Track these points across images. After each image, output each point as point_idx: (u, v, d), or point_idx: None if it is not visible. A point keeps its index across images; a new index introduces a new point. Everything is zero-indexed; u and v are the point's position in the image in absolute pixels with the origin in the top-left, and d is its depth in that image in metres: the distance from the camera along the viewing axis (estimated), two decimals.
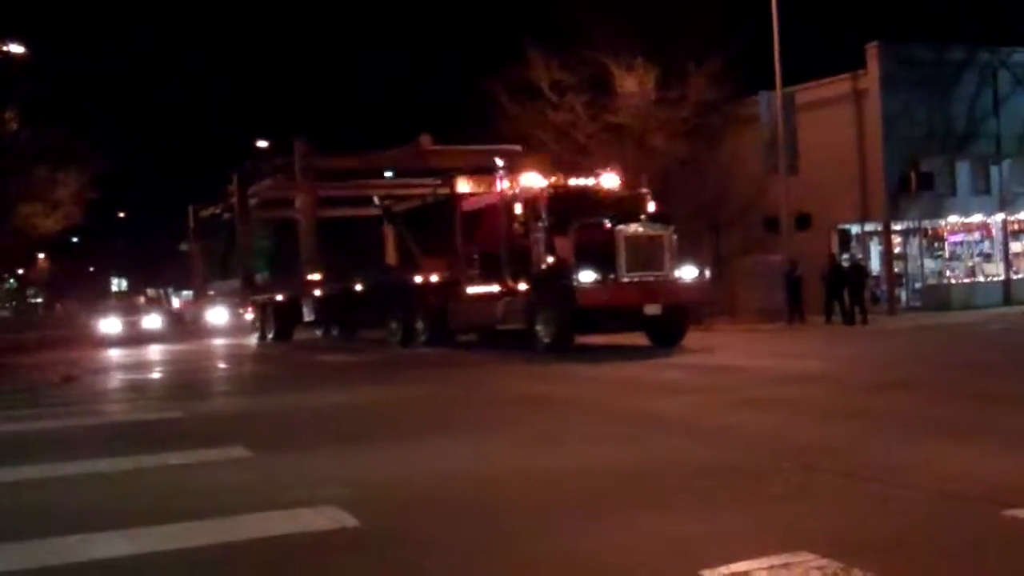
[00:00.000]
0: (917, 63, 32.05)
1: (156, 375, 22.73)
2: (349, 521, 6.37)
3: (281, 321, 33.77)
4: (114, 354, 30.92)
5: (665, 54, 30.76)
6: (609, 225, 20.62)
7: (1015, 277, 33.66)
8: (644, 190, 23.19)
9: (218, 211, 37.75)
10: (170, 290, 79.19)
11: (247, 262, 34.76)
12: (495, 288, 22.62)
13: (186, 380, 20.10)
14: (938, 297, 31.87)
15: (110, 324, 39.12)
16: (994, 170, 33.50)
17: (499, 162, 23.31)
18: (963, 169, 33.24)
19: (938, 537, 5.52)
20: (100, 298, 73.68)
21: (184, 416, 13.12)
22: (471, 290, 23.64)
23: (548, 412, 11.83)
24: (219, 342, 35.91)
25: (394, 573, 5.38)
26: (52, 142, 36.74)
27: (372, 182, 32.23)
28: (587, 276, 20.13)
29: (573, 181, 23.03)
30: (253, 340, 34.98)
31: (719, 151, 31.80)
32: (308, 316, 32.49)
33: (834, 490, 6.77)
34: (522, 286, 21.73)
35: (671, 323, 20.94)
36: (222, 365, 25.05)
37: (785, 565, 4.93)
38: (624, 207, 22.04)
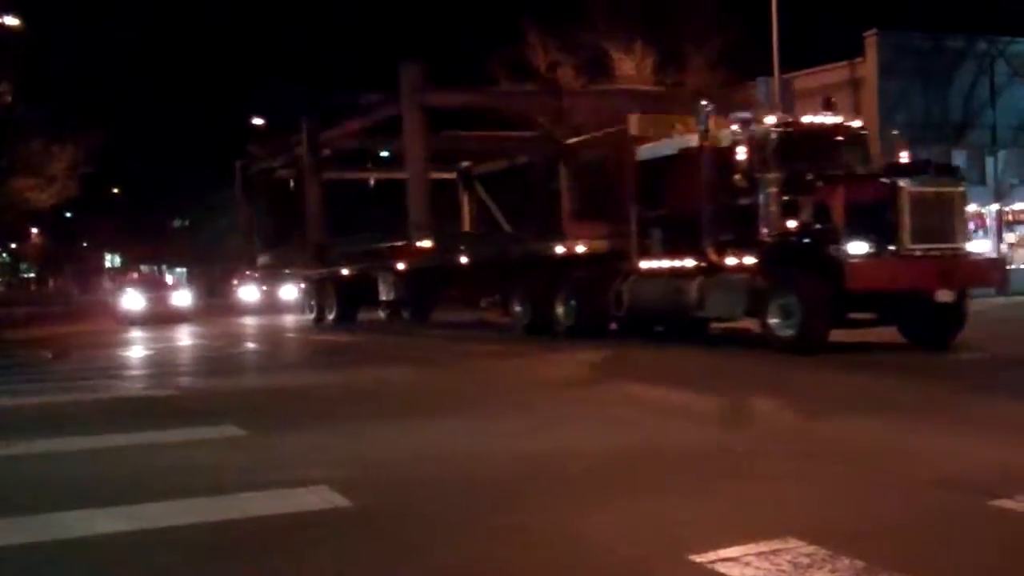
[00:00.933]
0: (915, 52, 32.12)
1: (159, 353, 22.59)
2: (340, 501, 6.38)
3: (346, 300, 28.51)
4: (134, 334, 28.44)
5: (664, 38, 30.74)
6: (886, 180, 15.23)
7: (1009, 267, 33.68)
8: (895, 132, 18.70)
9: (275, 165, 32.37)
10: (164, 267, 79.06)
11: (317, 227, 28.56)
12: (688, 262, 17.32)
13: (190, 358, 20.05)
14: None
15: (132, 300, 34.21)
16: (989, 160, 33.62)
17: (704, 100, 17.45)
18: (959, 159, 33.24)
19: (926, 526, 5.55)
20: (93, 274, 73.49)
21: (179, 394, 13.12)
22: (647, 264, 18.49)
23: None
24: (258, 322, 32.90)
25: (382, 553, 5.39)
26: (47, 115, 36.51)
27: (475, 134, 27.37)
28: (859, 247, 14.76)
29: (808, 119, 17.21)
30: (299, 321, 31.31)
31: None
32: (385, 294, 26.73)
33: (825, 477, 6.79)
34: (731, 260, 16.52)
35: (950, 315, 15.38)
36: (251, 345, 23.33)
37: (774, 551, 4.95)
38: (880, 157, 17.39)
